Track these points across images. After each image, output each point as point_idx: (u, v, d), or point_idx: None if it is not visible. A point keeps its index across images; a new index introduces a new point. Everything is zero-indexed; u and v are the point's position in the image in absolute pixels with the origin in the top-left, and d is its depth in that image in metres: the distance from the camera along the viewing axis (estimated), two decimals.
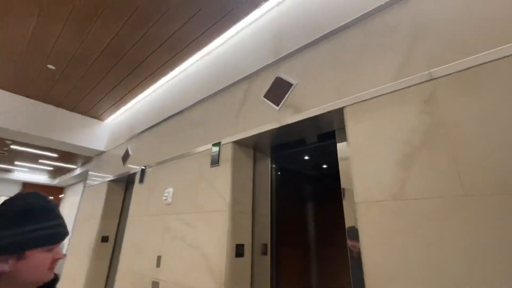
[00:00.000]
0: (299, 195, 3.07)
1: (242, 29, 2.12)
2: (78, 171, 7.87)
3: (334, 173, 2.95)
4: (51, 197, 0.77)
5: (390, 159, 1.08)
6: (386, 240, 1.00)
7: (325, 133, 1.67)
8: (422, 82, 1.08)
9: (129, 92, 3.11)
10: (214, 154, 1.90)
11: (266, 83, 1.76)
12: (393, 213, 1.01)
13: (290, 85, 1.60)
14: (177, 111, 2.52)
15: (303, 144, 1.84)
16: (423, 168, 0.98)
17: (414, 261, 0.92)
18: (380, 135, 1.14)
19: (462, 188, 0.89)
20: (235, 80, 1.99)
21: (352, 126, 1.24)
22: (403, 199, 1.00)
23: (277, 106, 1.62)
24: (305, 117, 1.45)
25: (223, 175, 1.78)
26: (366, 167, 1.14)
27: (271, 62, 1.77)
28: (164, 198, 2.16)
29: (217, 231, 1.66)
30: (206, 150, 1.99)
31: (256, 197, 1.87)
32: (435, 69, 1.06)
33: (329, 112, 1.36)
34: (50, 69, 2.74)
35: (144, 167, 2.66)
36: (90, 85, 2.98)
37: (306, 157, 2.63)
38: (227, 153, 1.82)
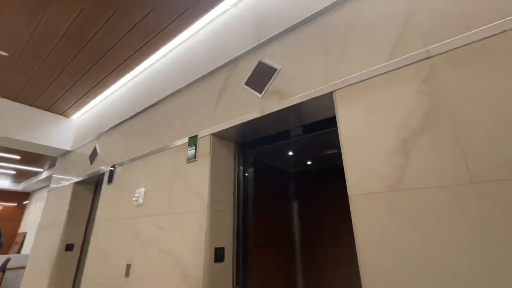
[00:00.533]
0: (279, 192, 2.95)
1: (221, 14, 1.95)
2: (44, 174, 7.26)
3: (319, 169, 2.86)
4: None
5: (386, 146, 0.96)
6: (383, 236, 0.88)
7: (311, 125, 1.54)
8: (419, 61, 0.98)
9: (96, 85, 2.82)
10: (190, 148, 1.72)
11: (247, 70, 1.61)
12: (391, 206, 0.90)
13: (273, 70, 1.46)
14: (150, 104, 2.30)
15: (286, 137, 1.71)
16: (424, 154, 0.88)
17: (414, 258, 0.81)
18: (374, 120, 1.02)
19: (469, 175, 0.79)
20: (213, 68, 1.82)
21: (343, 111, 1.12)
22: (402, 190, 0.89)
23: (260, 93, 1.47)
24: (290, 104, 1.31)
25: (201, 171, 1.60)
26: (360, 155, 1.02)
27: (252, 47, 1.62)
28: (134, 199, 1.94)
29: (193, 234, 1.48)
30: (182, 144, 1.80)
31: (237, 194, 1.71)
32: (433, 46, 0.96)
33: (317, 98, 1.23)
34: (3, 55, 2.41)
35: (113, 166, 2.40)
36: (50, 76, 2.67)
37: (290, 152, 2.51)
38: (205, 147, 1.64)
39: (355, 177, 1.00)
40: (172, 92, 2.10)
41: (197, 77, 1.91)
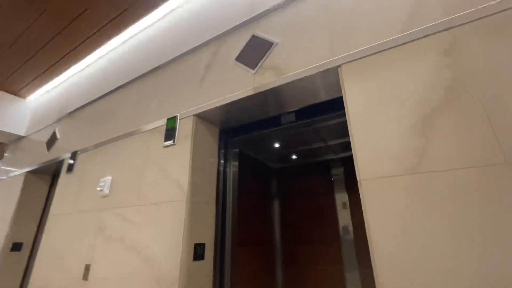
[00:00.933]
0: (262, 187, 2.81)
1: None
2: None
3: (304, 164, 2.75)
4: None
5: (403, 124, 0.85)
6: (402, 225, 0.76)
7: (306, 108, 1.41)
8: (439, 32, 0.88)
9: (59, 60, 2.46)
10: (168, 130, 1.50)
11: (239, 44, 1.44)
12: (410, 191, 0.78)
13: (270, 44, 1.30)
14: (122, 83, 2.03)
15: (276, 123, 1.55)
16: (448, 132, 0.77)
17: (440, 249, 0.69)
18: (387, 96, 0.90)
19: (502, 154, 0.69)
20: (199, 43, 1.62)
21: (351, 87, 1.00)
22: (423, 172, 0.77)
23: (253, 69, 1.31)
24: (288, 80, 1.16)
25: (180, 156, 1.39)
26: (372, 135, 0.89)
27: (245, 20, 1.45)
28: (99, 189, 1.67)
29: (170, 227, 1.27)
30: (159, 126, 1.58)
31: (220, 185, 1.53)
32: (455, 16, 0.87)
33: (319, 73, 1.09)
34: None
35: (74, 152, 2.09)
36: None
37: (276, 144, 2.37)
38: (186, 129, 1.44)
39: (367, 160, 0.88)
40: (150, 69, 1.86)
41: (181, 53, 1.70)
